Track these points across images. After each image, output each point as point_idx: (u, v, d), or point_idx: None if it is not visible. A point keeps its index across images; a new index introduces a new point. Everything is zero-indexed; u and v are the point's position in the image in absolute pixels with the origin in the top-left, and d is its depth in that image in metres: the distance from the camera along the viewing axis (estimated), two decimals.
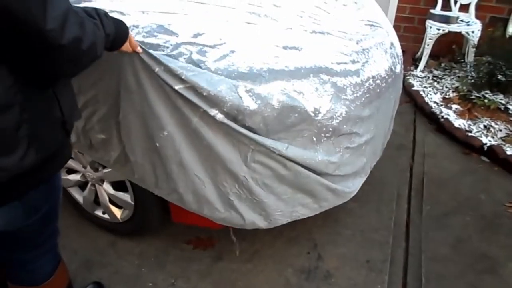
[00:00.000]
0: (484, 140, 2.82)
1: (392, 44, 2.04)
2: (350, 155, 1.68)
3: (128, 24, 1.15)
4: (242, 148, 1.40)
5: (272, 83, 1.41)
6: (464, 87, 3.38)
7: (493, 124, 2.99)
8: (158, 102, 1.31)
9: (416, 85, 3.64)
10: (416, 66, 3.95)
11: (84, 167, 1.85)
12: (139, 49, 1.22)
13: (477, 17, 3.80)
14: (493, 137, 2.86)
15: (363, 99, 1.65)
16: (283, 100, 1.40)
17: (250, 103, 1.35)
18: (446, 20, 3.66)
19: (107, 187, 1.86)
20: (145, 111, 1.33)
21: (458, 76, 3.69)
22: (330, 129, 1.53)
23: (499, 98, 3.20)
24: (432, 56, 3.91)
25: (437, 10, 3.82)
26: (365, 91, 1.66)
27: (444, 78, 3.72)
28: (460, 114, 3.15)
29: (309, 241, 2.07)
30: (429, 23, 3.75)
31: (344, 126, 1.58)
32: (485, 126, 2.98)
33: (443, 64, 3.97)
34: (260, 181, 1.48)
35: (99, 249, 2.00)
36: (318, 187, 1.60)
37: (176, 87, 1.27)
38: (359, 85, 1.64)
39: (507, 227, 2.20)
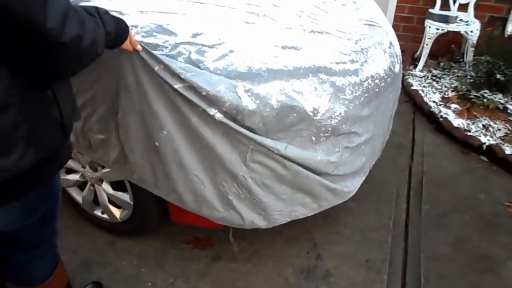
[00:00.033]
0: (483, 139, 2.82)
1: (391, 43, 2.04)
2: (349, 155, 1.68)
3: None
4: (241, 148, 1.40)
5: (271, 82, 1.41)
6: (463, 87, 3.38)
7: (492, 123, 3.00)
8: (157, 101, 1.31)
9: (415, 84, 3.64)
10: (415, 66, 3.95)
11: (83, 167, 1.85)
12: (139, 47, 1.22)
13: (476, 16, 3.81)
14: (492, 137, 2.86)
15: (362, 98, 1.65)
16: (282, 100, 1.40)
17: (249, 103, 1.35)
18: (445, 19, 3.66)
19: (106, 187, 1.86)
20: (145, 111, 1.33)
21: (457, 76, 3.69)
22: (329, 128, 1.53)
23: (498, 97, 3.21)
24: (431, 55, 3.92)
25: (436, 10, 3.83)
26: (364, 90, 1.66)
27: (443, 78, 3.73)
28: (459, 114, 3.15)
29: (308, 241, 2.07)
30: (428, 22, 3.75)
31: (343, 126, 1.58)
32: (484, 126, 2.98)
33: (442, 64, 3.97)
34: (259, 181, 1.48)
35: (98, 249, 2.00)
36: (317, 186, 1.60)
37: (176, 86, 1.27)
38: (358, 85, 1.64)
39: (506, 226, 2.21)
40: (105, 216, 1.99)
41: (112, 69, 1.31)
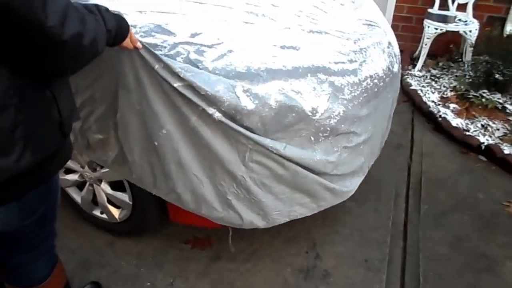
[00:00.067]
0: (482, 139, 2.82)
1: (389, 43, 2.04)
2: (348, 155, 1.68)
3: None
4: (240, 148, 1.40)
5: (269, 82, 1.41)
6: (462, 86, 3.39)
7: (490, 123, 3.00)
8: (157, 100, 1.31)
9: (414, 84, 3.64)
10: (414, 66, 3.96)
11: (82, 167, 1.85)
12: (139, 45, 1.22)
13: (474, 16, 3.81)
14: (490, 136, 2.86)
15: (361, 98, 1.65)
16: (280, 100, 1.40)
17: (247, 103, 1.35)
18: (444, 19, 3.67)
19: (105, 187, 1.86)
20: (144, 110, 1.33)
21: (456, 76, 3.70)
22: (328, 128, 1.53)
23: (497, 97, 3.21)
24: (430, 55, 3.92)
25: (435, 10, 3.83)
26: (363, 90, 1.66)
27: (442, 78, 3.73)
28: (457, 113, 3.16)
29: (307, 241, 2.07)
30: (427, 22, 3.76)
31: (342, 126, 1.58)
32: (482, 125, 2.98)
33: (441, 64, 3.98)
34: (258, 181, 1.48)
35: (97, 249, 2.00)
36: (316, 186, 1.60)
37: (175, 85, 1.27)
38: (356, 85, 1.64)
39: (505, 226, 2.21)
40: (104, 216, 1.99)
41: (112, 68, 1.31)
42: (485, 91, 3.25)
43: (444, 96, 3.42)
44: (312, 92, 1.49)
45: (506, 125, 2.97)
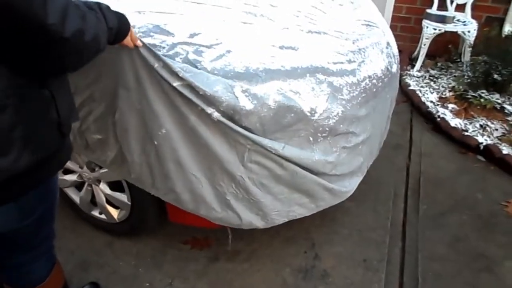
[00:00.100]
0: (480, 139, 2.83)
1: (388, 43, 2.04)
2: (346, 155, 1.68)
3: None
4: (239, 148, 1.40)
5: (268, 83, 1.41)
6: (461, 87, 3.39)
7: (489, 123, 3.01)
8: (157, 100, 1.31)
9: (413, 84, 3.65)
10: (413, 66, 3.96)
11: (81, 167, 1.84)
12: (139, 43, 1.22)
13: (473, 16, 3.82)
14: (489, 137, 2.87)
15: (360, 98, 1.65)
16: (279, 100, 1.40)
17: (246, 103, 1.35)
18: (443, 20, 3.67)
19: (103, 187, 1.86)
20: (144, 109, 1.33)
21: (455, 76, 3.70)
22: (327, 128, 1.53)
23: (495, 97, 3.22)
24: (428, 55, 3.92)
25: (434, 10, 3.84)
26: (362, 90, 1.66)
27: (440, 78, 3.74)
28: (456, 114, 3.16)
29: (306, 241, 2.07)
30: (425, 22, 3.76)
31: (341, 126, 1.58)
32: (481, 126, 2.99)
33: (439, 64, 3.98)
34: (257, 181, 1.48)
35: (96, 249, 2.00)
36: (315, 186, 1.60)
37: (174, 84, 1.27)
38: (355, 85, 1.64)
39: (503, 226, 2.21)
40: (102, 216, 1.99)
41: (112, 67, 1.31)
42: (484, 91, 3.25)
43: (443, 96, 3.43)
44: (310, 92, 1.49)
45: (505, 125, 2.98)
